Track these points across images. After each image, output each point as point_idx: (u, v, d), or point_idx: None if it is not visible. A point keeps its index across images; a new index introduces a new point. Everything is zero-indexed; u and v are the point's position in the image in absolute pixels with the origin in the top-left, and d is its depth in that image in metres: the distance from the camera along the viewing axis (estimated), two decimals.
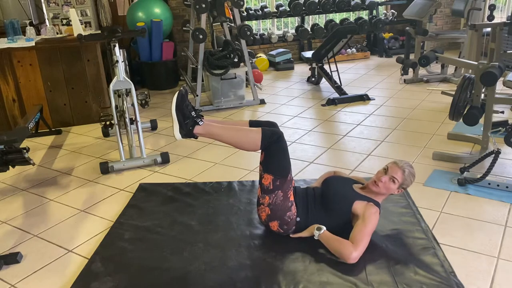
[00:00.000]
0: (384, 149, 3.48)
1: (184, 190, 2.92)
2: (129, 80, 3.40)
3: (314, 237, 2.17)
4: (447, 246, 2.20)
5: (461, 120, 3.08)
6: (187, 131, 2.16)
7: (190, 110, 2.16)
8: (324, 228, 2.16)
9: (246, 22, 6.07)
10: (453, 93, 3.06)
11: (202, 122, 2.17)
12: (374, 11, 6.94)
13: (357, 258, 2.03)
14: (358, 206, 2.18)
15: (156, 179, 3.17)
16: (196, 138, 2.21)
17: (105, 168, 3.30)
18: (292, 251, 2.19)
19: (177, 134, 2.16)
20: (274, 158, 2.19)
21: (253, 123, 2.36)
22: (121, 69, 3.35)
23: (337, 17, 7.49)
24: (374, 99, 4.83)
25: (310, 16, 7.14)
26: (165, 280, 2.05)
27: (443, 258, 2.08)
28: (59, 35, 4.49)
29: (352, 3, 6.74)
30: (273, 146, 2.17)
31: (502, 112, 3.20)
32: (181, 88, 2.24)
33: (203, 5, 4.52)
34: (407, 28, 5.59)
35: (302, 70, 6.49)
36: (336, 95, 4.92)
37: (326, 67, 5.22)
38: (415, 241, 2.23)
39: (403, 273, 1.99)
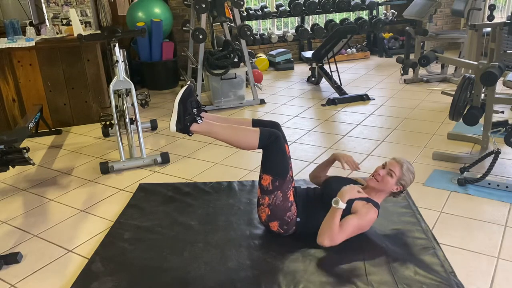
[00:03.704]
0: (384, 149, 3.48)
1: (184, 190, 2.92)
2: (129, 80, 3.41)
3: (333, 203, 2.11)
4: (447, 246, 2.20)
5: (461, 120, 3.08)
6: (184, 126, 2.14)
7: (193, 106, 2.16)
8: (343, 206, 2.09)
9: (246, 22, 6.07)
10: (453, 93, 3.06)
11: (201, 121, 2.17)
12: (374, 11, 6.94)
13: (328, 245, 2.07)
14: (357, 206, 2.18)
15: (156, 179, 3.17)
16: (191, 135, 2.20)
17: (105, 168, 3.30)
18: (292, 251, 2.19)
19: (173, 126, 2.14)
20: (273, 158, 2.19)
21: (255, 122, 2.35)
22: (121, 69, 3.35)
23: (337, 17, 7.49)
24: (374, 99, 4.83)
25: (310, 16, 7.15)
26: (165, 280, 2.05)
27: (443, 258, 2.08)
28: (59, 35, 4.49)
29: (352, 3, 6.74)
30: (271, 147, 2.17)
31: (502, 112, 3.20)
32: (190, 82, 2.23)
33: (203, 5, 4.52)
34: (407, 28, 5.58)
35: (302, 70, 6.49)
36: (336, 95, 4.92)
37: (326, 67, 5.22)
38: (415, 241, 2.23)
39: (403, 273, 1.99)
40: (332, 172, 2.60)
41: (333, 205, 2.10)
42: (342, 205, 2.10)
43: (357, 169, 2.47)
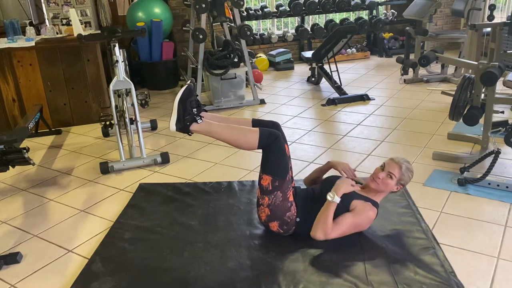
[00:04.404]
0: (384, 149, 3.48)
1: (184, 190, 2.92)
2: (129, 80, 3.40)
3: (328, 197, 2.14)
4: (447, 246, 2.20)
5: (461, 120, 3.08)
6: (184, 126, 2.15)
7: (193, 106, 2.16)
8: (337, 201, 2.13)
9: (246, 22, 6.07)
10: (453, 93, 3.06)
11: (201, 121, 2.17)
12: (374, 11, 6.94)
13: (321, 238, 2.13)
14: (355, 204, 2.19)
15: (156, 179, 3.17)
16: (191, 134, 2.21)
17: (105, 168, 3.30)
18: (292, 251, 2.19)
19: (172, 126, 2.15)
20: (272, 158, 2.19)
21: (255, 122, 2.36)
22: (121, 69, 3.35)
23: (337, 17, 7.49)
24: (374, 99, 4.83)
25: (310, 16, 7.15)
26: (165, 280, 2.05)
27: (443, 258, 2.08)
28: (59, 35, 4.49)
29: (352, 3, 6.74)
30: (271, 147, 2.17)
31: (502, 112, 3.20)
32: (190, 82, 2.23)
33: (203, 5, 4.52)
34: (407, 28, 5.58)
35: (302, 70, 6.49)
36: (336, 95, 4.92)
37: (326, 67, 5.22)
38: (415, 241, 2.23)
39: (403, 273, 1.99)
40: (332, 172, 2.59)
41: (328, 199, 2.13)
42: (337, 199, 2.13)
43: (353, 177, 2.46)
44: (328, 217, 2.12)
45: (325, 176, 2.56)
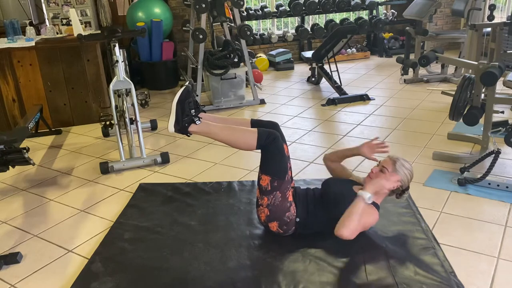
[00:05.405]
0: None
1: (184, 190, 2.92)
2: (129, 80, 3.41)
3: (359, 193, 2.11)
4: (447, 246, 2.20)
5: (461, 120, 3.08)
6: (182, 127, 2.15)
7: (191, 107, 2.16)
8: (371, 200, 2.10)
9: (246, 22, 6.07)
10: (453, 93, 3.06)
11: (200, 122, 2.17)
12: (374, 11, 6.94)
13: (348, 235, 2.01)
14: None
15: (156, 179, 3.17)
16: (189, 135, 2.21)
17: (105, 168, 3.30)
18: (292, 251, 2.19)
19: (171, 127, 2.15)
20: (271, 159, 2.19)
21: (254, 122, 2.36)
22: (121, 69, 3.35)
23: (337, 17, 7.49)
24: (374, 99, 4.83)
25: (310, 16, 7.14)
26: (165, 280, 2.05)
27: (443, 258, 2.08)
28: (59, 35, 4.49)
29: (352, 3, 6.74)
30: (269, 147, 2.17)
31: (502, 112, 3.20)
32: (188, 83, 2.23)
33: (203, 5, 4.52)
34: (407, 28, 5.58)
35: (302, 70, 6.49)
36: (336, 95, 4.92)
37: (326, 67, 5.22)
38: (415, 241, 2.23)
39: (403, 273, 1.99)
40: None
41: (363, 195, 2.08)
42: (370, 198, 2.09)
43: (385, 151, 2.40)
44: (358, 215, 2.03)
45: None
